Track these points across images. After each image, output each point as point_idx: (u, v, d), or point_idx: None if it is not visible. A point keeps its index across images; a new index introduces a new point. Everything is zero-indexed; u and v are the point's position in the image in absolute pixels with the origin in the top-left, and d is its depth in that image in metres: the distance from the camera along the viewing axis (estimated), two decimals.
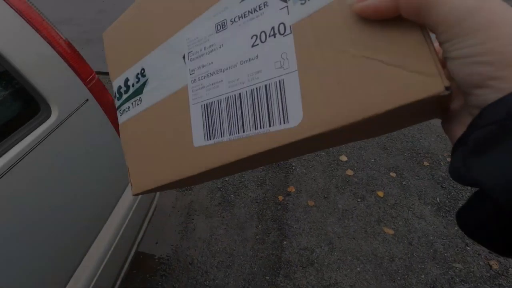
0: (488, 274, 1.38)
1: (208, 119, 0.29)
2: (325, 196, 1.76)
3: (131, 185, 0.36)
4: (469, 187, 1.77)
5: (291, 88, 0.24)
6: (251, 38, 0.27)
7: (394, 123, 0.27)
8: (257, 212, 1.69)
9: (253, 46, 0.27)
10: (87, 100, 0.83)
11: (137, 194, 0.37)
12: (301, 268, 1.43)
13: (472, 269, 1.41)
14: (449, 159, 1.96)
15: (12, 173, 0.66)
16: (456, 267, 1.42)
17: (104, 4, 5.10)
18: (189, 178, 0.32)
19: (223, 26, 0.29)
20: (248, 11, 0.27)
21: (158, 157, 0.34)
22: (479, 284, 1.35)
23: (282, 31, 0.25)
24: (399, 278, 1.39)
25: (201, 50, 0.30)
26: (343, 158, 1.99)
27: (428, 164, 1.94)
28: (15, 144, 0.68)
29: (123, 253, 1.05)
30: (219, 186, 1.84)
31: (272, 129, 0.25)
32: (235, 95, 0.28)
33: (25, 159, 0.69)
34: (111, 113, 0.93)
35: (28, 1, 0.77)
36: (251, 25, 0.27)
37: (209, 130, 0.29)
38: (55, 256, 0.79)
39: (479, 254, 1.46)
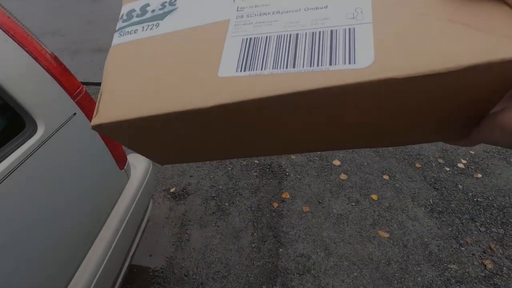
0: (483, 274, 1.39)
1: (247, 51, 0.25)
2: (320, 201, 1.76)
3: (96, 112, 0.27)
4: (460, 187, 1.79)
5: (363, 35, 0.23)
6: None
7: (445, 114, 0.25)
8: (252, 220, 1.67)
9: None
10: (75, 114, 0.82)
11: (97, 127, 0.27)
12: (298, 275, 1.42)
13: (467, 270, 1.41)
14: (440, 161, 1.98)
15: None
16: (452, 268, 1.42)
17: (93, 15, 5.08)
18: (191, 117, 0.25)
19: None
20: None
21: (157, 83, 0.27)
22: (474, 285, 1.36)
23: None
24: (396, 281, 1.38)
25: None
26: (336, 162, 2.00)
27: (420, 166, 1.96)
28: (0, 162, 0.66)
29: (116, 267, 1.03)
30: (213, 195, 1.82)
31: (333, 67, 0.22)
32: (290, 35, 0.25)
33: (11, 176, 0.67)
34: None
35: (11, 15, 0.76)
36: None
37: (246, 61, 0.25)
38: (45, 273, 0.77)
39: (473, 254, 1.47)
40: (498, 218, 1.63)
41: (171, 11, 0.30)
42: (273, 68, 0.24)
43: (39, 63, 0.76)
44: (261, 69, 0.24)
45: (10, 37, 0.71)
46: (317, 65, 0.23)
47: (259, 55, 0.25)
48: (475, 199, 1.73)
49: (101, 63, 3.39)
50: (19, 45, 0.73)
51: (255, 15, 0.27)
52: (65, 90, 0.81)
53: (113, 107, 0.27)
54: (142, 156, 1.28)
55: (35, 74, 0.75)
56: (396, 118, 0.26)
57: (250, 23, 0.27)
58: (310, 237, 1.57)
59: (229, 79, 0.24)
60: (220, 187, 1.87)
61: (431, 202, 1.73)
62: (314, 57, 0.23)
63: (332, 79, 0.22)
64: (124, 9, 0.33)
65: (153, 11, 0.31)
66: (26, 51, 0.74)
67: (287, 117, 0.26)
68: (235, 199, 1.79)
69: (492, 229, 1.58)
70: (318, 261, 1.47)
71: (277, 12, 0.26)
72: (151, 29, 0.30)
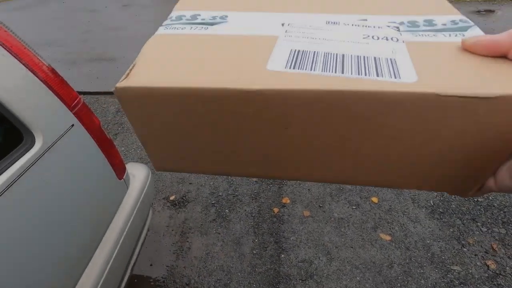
0: (486, 275, 1.39)
1: (296, 57, 0.26)
2: (320, 205, 1.75)
3: (125, 77, 0.25)
4: None
5: (404, 64, 0.25)
6: (363, 35, 0.28)
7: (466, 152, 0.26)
8: (253, 226, 1.67)
9: (364, 38, 0.28)
10: (73, 125, 0.82)
11: (122, 90, 0.25)
12: (300, 281, 1.41)
13: (470, 271, 1.41)
14: None
15: None
16: (455, 270, 1.42)
17: (89, 24, 5.11)
18: (229, 101, 0.24)
19: (335, 23, 0.30)
20: (361, 21, 0.30)
21: (200, 63, 0.26)
22: (478, 286, 1.35)
23: (395, 40, 0.28)
24: (399, 285, 1.37)
25: (303, 25, 0.30)
26: None
27: None
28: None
29: (116, 278, 1.02)
30: (213, 202, 1.82)
31: (380, 78, 0.23)
32: (337, 54, 0.26)
33: (9, 190, 0.67)
34: (98, 137, 0.92)
35: (8, 29, 0.77)
36: (364, 29, 0.29)
37: (295, 62, 0.25)
38: (45, 285, 0.76)
39: (475, 255, 1.46)
40: (499, 218, 1.63)
41: (221, 22, 0.32)
42: (322, 71, 0.24)
43: (36, 76, 0.76)
44: (311, 70, 0.24)
45: (7, 50, 0.71)
46: (365, 75, 0.24)
47: (307, 61, 0.25)
48: (475, 199, 1.73)
49: (99, 73, 3.40)
50: (16, 58, 0.73)
51: (302, 37, 0.28)
52: (62, 102, 0.81)
53: (146, 75, 0.25)
54: (141, 165, 1.29)
55: (32, 87, 0.75)
56: (423, 148, 0.26)
57: (298, 41, 0.28)
58: (311, 242, 1.57)
59: (278, 72, 0.25)
60: (220, 194, 1.86)
61: (432, 203, 1.72)
62: (361, 69, 0.24)
63: (380, 86, 0.23)
64: (174, 13, 0.34)
65: (203, 19, 0.32)
66: (23, 64, 0.74)
67: (324, 124, 0.26)
68: (235, 206, 1.78)
69: (494, 229, 1.57)
70: (320, 266, 1.46)
71: (323, 39, 0.28)
72: (199, 29, 0.31)
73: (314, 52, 0.26)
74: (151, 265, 1.52)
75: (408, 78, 0.23)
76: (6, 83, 0.70)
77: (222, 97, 0.24)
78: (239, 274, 1.45)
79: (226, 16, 0.32)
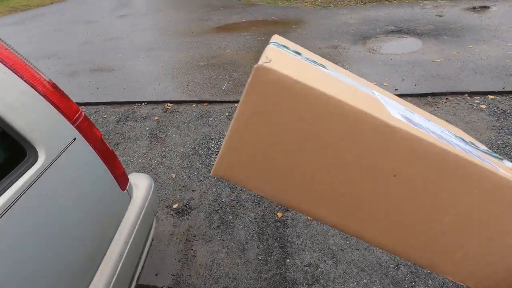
0: None
1: (407, 119, 0.29)
2: None
3: (266, 60, 0.24)
4: None
5: (489, 163, 0.28)
6: (439, 129, 0.32)
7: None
8: (257, 231, 1.66)
9: (441, 132, 0.32)
10: (75, 139, 0.82)
11: (265, 72, 0.23)
12: (307, 286, 1.40)
13: None
14: None
15: (1, 221, 0.64)
16: None
17: (88, 36, 5.15)
18: (358, 129, 0.24)
19: (410, 121, 0.31)
20: (428, 127, 0.33)
21: (335, 87, 0.27)
22: None
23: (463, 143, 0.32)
24: (406, 286, 1.37)
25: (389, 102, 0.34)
26: None
27: None
28: (3, 192, 0.66)
29: None
30: (216, 209, 1.81)
31: (486, 163, 0.26)
32: (441, 135, 0.30)
33: (14, 206, 0.67)
34: (100, 149, 0.92)
35: (8, 46, 0.77)
36: (437, 126, 0.33)
37: (410, 121, 0.28)
38: None
39: None
40: None
41: (322, 67, 0.33)
42: (437, 137, 0.27)
43: (37, 92, 0.77)
44: (429, 132, 0.27)
45: (9, 68, 0.72)
46: (474, 155, 0.27)
47: (419, 125, 0.28)
48: None
49: (98, 83, 3.42)
50: (17, 74, 0.74)
51: (398, 114, 0.30)
52: (64, 116, 0.81)
53: (287, 70, 0.24)
54: (144, 175, 1.29)
55: (34, 102, 0.76)
56: (493, 240, 0.28)
57: (396, 108, 0.31)
58: (316, 246, 1.56)
59: (403, 122, 0.26)
60: (223, 200, 1.86)
61: None
62: (466, 150, 0.28)
63: (490, 167, 0.26)
64: (276, 40, 0.35)
65: (306, 57, 0.34)
66: (24, 80, 0.75)
67: (430, 182, 0.26)
68: (239, 211, 1.78)
69: None
70: (326, 270, 1.45)
71: (418, 125, 0.30)
72: (309, 62, 0.32)
73: (417, 122, 0.29)
74: (156, 274, 1.51)
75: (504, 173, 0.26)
76: (8, 99, 0.71)
77: (357, 119, 0.24)
78: (245, 281, 1.45)
79: (324, 66, 0.34)
